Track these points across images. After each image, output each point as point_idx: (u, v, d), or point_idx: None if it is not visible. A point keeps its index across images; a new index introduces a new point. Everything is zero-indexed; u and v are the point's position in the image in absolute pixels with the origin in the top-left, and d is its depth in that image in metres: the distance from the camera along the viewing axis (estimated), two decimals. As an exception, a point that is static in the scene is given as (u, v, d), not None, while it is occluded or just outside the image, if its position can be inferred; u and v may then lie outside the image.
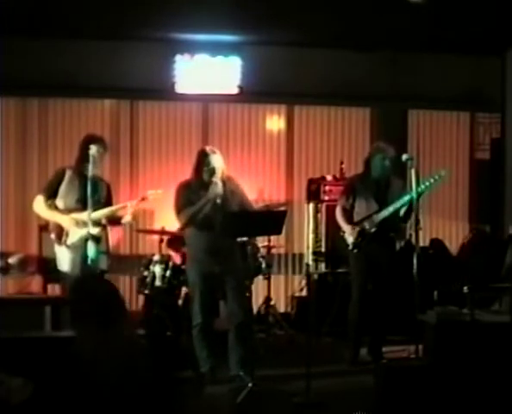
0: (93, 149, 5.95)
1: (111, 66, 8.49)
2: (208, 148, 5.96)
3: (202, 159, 5.86)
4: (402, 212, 6.47)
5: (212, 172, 5.80)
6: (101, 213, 6.03)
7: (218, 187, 5.78)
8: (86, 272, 5.77)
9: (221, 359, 5.92)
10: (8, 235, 8.41)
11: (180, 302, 7.11)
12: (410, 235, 7.29)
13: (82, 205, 5.93)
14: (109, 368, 3.11)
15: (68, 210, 5.99)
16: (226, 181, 5.90)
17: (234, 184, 6.02)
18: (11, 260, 7.21)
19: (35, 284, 7.62)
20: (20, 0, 7.11)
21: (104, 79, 8.49)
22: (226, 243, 5.81)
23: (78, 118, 8.58)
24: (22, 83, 8.23)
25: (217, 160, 5.85)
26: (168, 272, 7.09)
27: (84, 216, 5.89)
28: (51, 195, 6.04)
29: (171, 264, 7.15)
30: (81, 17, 7.54)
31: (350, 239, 6.53)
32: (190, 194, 5.83)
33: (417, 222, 6.21)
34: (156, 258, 7.22)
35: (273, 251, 7.97)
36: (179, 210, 5.88)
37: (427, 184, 6.38)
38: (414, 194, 6.15)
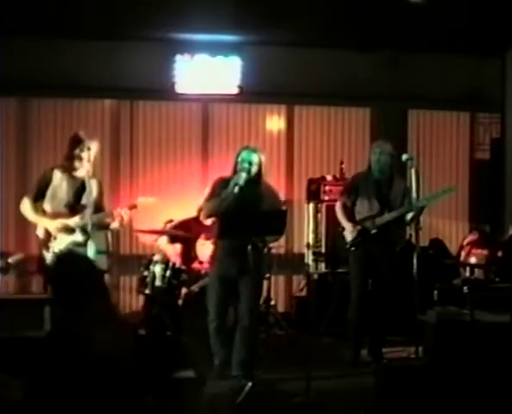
0: (93, 149, 5.88)
1: (111, 66, 8.49)
2: (251, 145, 5.92)
3: (240, 152, 5.83)
4: (408, 217, 6.46)
5: (244, 165, 5.74)
6: (89, 219, 5.77)
7: (241, 178, 5.68)
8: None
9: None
10: (8, 235, 8.42)
11: (180, 302, 7.12)
12: (410, 235, 7.29)
13: (70, 210, 5.76)
14: (93, 342, 3.17)
15: (55, 215, 5.75)
16: (262, 183, 5.84)
17: (271, 190, 5.95)
18: (11, 260, 7.19)
19: (35, 284, 7.62)
20: (20, 0, 7.11)
21: (104, 79, 8.48)
22: (247, 244, 5.76)
23: (78, 118, 8.57)
24: (22, 83, 8.23)
25: (252, 156, 5.79)
26: (168, 272, 7.10)
27: (71, 222, 5.72)
28: (38, 197, 5.80)
29: (171, 264, 7.16)
30: (81, 17, 7.54)
31: (349, 237, 6.54)
32: (222, 189, 5.78)
33: (417, 222, 6.22)
34: (156, 258, 7.22)
35: (273, 251, 7.96)
36: (205, 200, 5.87)
37: (436, 196, 6.42)
38: (422, 204, 6.18)
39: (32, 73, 8.26)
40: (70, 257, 3.54)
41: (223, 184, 5.83)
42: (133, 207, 5.96)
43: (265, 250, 6.17)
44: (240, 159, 5.79)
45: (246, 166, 5.74)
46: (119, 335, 3.27)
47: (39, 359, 3.25)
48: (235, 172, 5.81)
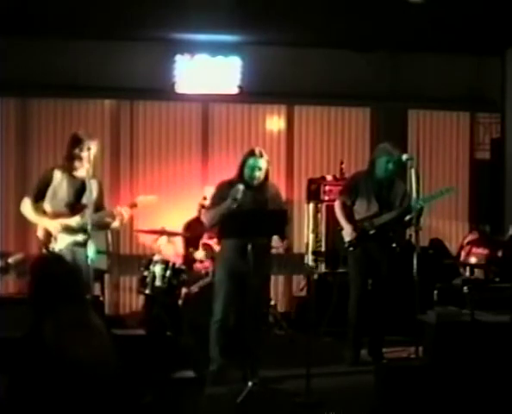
0: (93, 149, 5.85)
1: (111, 66, 8.49)
2: (256, 149, 5.87)
3: (246, 158, 5.81)
4: (407, 218, 6.43)
5: (252, 172, 5.77)
6: (90, 218, 5.61)
7: (238, 192, 5.67)
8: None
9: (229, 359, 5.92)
10: (8, 235, 8.42)
11: (180, 302, 7.12)
12: (410, 235, 7.29)
13: (70, 210, 5.72)
14: (74, 350, 3.11)
15: (56, 215, 5.72)
16: (268, 186, 5.87)
17: (276, 191, 6.00)
18: (11, 260, 7.18)
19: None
20: (20, 0, 7.11)
21: (104, 79, 8.48)
22: (256, 244, 5.73)
23: (78, 118, 8.57)
24: (22, 83, 8.23)
25: (260, 163, 5.78)
26: (168, 272, 7.10)
27: (71, 221, 5.68)
28: (39, 197, 5.76)
29: (171, 264, 7.16)
30: (81, 17, 7.54)
31: (347, 237, 6.53)
32: (226, 193, 5.77)
33: (417, 222, 6.21)
34: (156, 258, 7.22)
35: (273, 251, 7.95)
36: (208, 207, 5.89)
37: (434, 196, 6.41)
38: (420, 205, 6.17)
39: (32, 73, 8.26)
40: (55, 259, 3.46)
41: (227, 187, 5.82)
42: (133, 206, 5.92)
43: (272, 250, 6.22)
44: (248, 165, 5.78)
45: (257, 173, 5.75)
46: (95, 343, 3.20)
47: (15, 360, 3.22)
48: (240, 176, 5.81)
